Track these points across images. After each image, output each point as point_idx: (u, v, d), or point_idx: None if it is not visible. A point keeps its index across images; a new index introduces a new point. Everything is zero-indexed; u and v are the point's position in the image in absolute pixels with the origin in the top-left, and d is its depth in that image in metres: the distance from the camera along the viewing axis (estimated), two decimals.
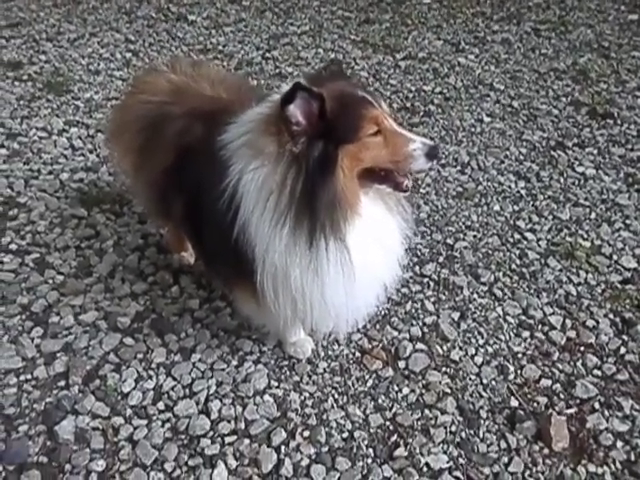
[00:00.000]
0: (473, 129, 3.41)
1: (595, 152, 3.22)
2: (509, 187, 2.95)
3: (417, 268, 2.43)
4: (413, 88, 3.82)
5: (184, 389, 1.94)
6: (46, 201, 2.75)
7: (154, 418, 1.85)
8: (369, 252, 1.60)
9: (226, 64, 4.03)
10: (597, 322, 2.22)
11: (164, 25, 4.72)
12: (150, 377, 1.98)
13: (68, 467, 1.72)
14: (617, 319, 2.24)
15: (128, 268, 2.40)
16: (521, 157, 3.18)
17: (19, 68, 3.97)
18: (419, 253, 2.51)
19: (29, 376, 1.97)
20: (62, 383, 1.95)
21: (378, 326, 2.17)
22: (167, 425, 1.83)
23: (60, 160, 3.06)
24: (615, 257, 2.53)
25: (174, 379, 1.97)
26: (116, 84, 3.78)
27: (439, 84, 3.88)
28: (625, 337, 2.17)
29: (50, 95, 3.65)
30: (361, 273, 1.57)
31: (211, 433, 1.81)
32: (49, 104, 3.56)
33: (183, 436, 1.81)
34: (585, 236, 2.64)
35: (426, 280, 2.39)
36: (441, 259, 2.49)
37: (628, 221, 2.73)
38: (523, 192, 2.92)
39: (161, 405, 1.89)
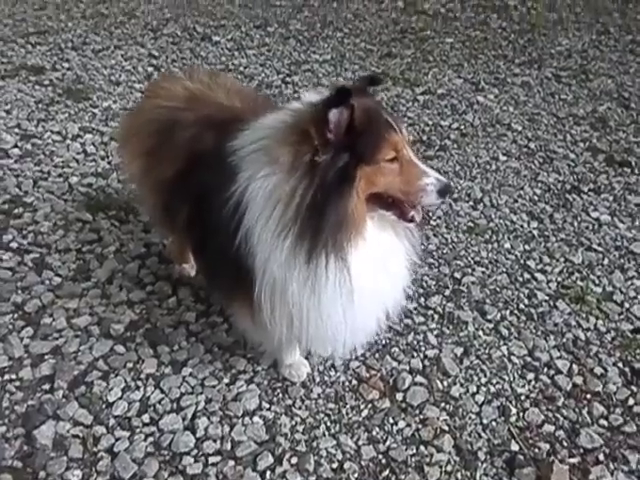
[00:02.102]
0: (488, 166, 3.38)
1: (611, 199, 3.17)
2: (521, 226, 2.90)
3: (422, 300, 2.37)
4: (430, 122, 3.81)
5: (171, 403, 1.87)
6: (52, 203, 2.73)
7: (137, 430, 1.78)
8: (372, 275, 1.53)
9: (246, 85, 4.05)
10: (605, 370, 2.13)
11: (188, 44, 4.78)
12: (138, 388, 1.91)
13: (42, 474, 1.64)
14: (626, 369, 2.15)
15: (127, 275, 2.35)
16: (535, 198, 3.13)
17: (41, 73, 4.02)
18: (425, 285, 2.45)
19: (14, 376, 1.91)
20: (47, 386, 1.89)
21: (377, 355, 2.10)
22: (150, 439, 1.76)
23: (71, 164, 3.06)
24: (627, 305, 2.44)
25: (162, 392, 1.90)
26: (135, 95, 3.80)
27: (456, 120, 3.87)
28: (634, 388, 2.07)
29: (69, 101, 3.68)
30: (361, 295, 1.51)
31: (195, 451, 1.73)
32: (67, 109, 3.58)
33: (165, 452, 1.73)
34: (597, 281, 2.57)
35: (430, 312, 2.32)
36: (447, 292, 2.42)
37: None
38: (535, 232, 2.86)
39: (146, 418, 1.82)
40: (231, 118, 1.73)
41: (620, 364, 2.17)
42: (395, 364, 2.07)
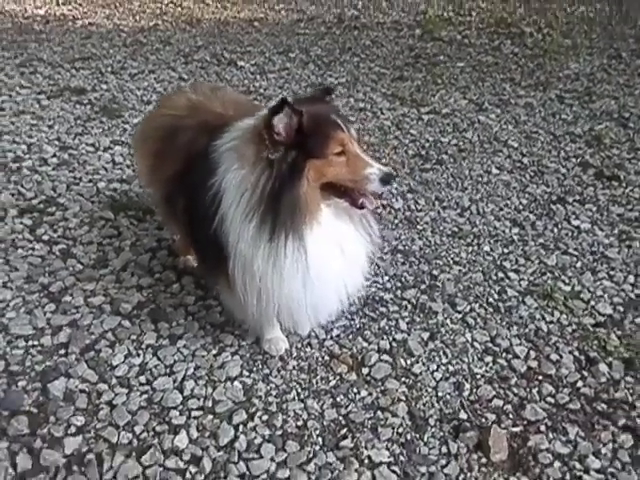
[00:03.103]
0: (480, 179, 3.62)
1: (594, 209, 3.35)
2: (503, 232, 3.11)
3: (399, 292, 2.61)
4: (431, 139, 4.08)
5: (166, 368, 2.17)
6: (81, 204, 3.12)
7: (134, 389, 2.08)
8: (327, 256, 1.82)
9: (264, 104, 4.41)
10: (561, 357, 2.31)
11: (215, 68, 5.23)
12: (138, 355, 2.22)
13: (52, 419, 1.95)
14: (582, 357, 2.32)
15: (139, 265, 2.69)
16: (520, 207, 3.34)
17: (82, 94, 4.50)
18: (403, 279, 2.70)
19: (36, 342, 2.25)
20: (62, 351, 2.22)
21: (351, 336, 2.35)
22: (144, 396, 2.05)
23: (101, 172, 3.46)
24: (592, 303, 2.61)
25: (159, 359, 2.21)
26: None
27: (456, 137, 4.13)
28: (585, 373, 2.25)
29: (104, 118, 4.12)
30: (318, 273, 1.79)
31: (181, 407, 2.02)
32: (101, 125, 4.02)
33: (156, 406, 2.02)
34: (567, 281, 2.75)
35: (405, 303, 2.55)
36: (423, 287, 2.66)
37: (612, 272, 2.82)
38: (515, 237, 3.07)
39: (143, 379, 2.12)
40: (223, 124, 2.04)
41: (576, 352, 2.34)
42: (365, 344, 2.32)
